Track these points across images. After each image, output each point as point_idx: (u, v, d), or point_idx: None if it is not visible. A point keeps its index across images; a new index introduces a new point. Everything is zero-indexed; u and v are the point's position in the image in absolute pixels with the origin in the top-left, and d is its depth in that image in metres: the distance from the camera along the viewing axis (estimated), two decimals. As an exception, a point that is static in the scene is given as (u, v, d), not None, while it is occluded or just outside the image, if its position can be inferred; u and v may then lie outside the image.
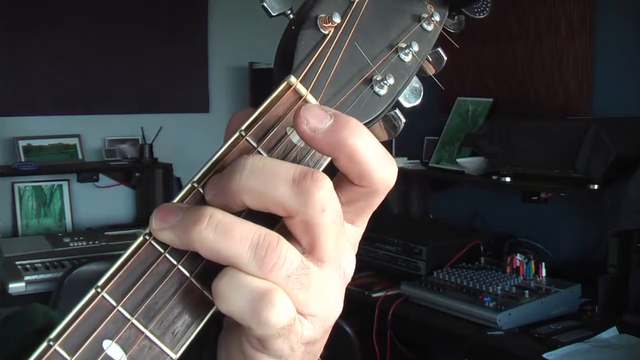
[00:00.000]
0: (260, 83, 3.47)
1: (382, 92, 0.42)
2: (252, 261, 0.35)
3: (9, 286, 2.51)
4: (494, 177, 2.50)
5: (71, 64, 3.19)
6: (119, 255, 0.37)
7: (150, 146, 3.28)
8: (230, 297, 0.35)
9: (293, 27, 0.40)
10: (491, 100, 2.80)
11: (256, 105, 0.39)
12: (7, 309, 0.74)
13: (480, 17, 0.46)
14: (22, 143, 3.11)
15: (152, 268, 0.37)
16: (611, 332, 2.03)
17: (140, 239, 0.37)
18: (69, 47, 3.17)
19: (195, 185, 0.38)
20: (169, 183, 3.28)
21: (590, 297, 2.23)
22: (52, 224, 3.18)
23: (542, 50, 2.68)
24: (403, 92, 0.44)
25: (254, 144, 0.38)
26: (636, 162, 2.13)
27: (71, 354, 0.35)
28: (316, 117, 0.36)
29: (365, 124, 0.40)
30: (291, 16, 0.41)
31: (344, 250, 0.39)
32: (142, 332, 0.36)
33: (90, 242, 2.89)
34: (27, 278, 2.56)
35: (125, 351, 0.36)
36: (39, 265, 2.66)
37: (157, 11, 3.40)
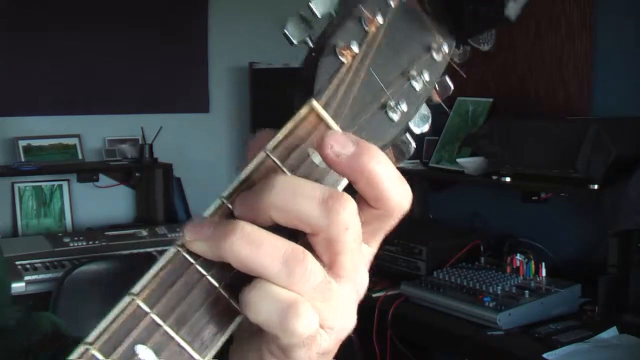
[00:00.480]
0: (260, 83, 3.45)
1: (396, 117, 0.44)
2: (282, 273, 0.37)
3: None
4: (494, 177, 2.50)
5: (71, 64, 3.19)
6: (152, 265, 0.39)
7: (150, 146, 3.28)
8: (259, 306, 0.37)
9: (313, 54, 0.43)
10: (491, 100, 2.80)
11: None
12: (14, 313, 0.75)
13: (485, 48, 0.48)
14: (22, 143, 3.11)
15: (182, 278, 0.39)
16: (611, 332, 2.03)
17: (173, 250, 0.39)
18: (69, 47, 3.17)
19: (225, 201, 0.40)
20: (169, 183, 3.28)
21: (590, 297, 2.23)
22: (52, 224, 3.18)
23: (542, 50, 2.68)
24: (413, 119, 0.46)
25: (279, 164, 0.40)
26: (636, 162, 2.13)
27: (107, 357, 0.37)
28: (340, 143, 0.39)
29: (380, 148, 0.42)
30: (311, 44, 0.43)
31: (360, 268, 0.41)
32: (173, 338, 0.38)
33: (90, 242, 2.89)
34: (27, 278, 2.56)
35: (157, 356, 0.38)
36: (39, 265, 2.66)
37: (157, 11, 3.39)
